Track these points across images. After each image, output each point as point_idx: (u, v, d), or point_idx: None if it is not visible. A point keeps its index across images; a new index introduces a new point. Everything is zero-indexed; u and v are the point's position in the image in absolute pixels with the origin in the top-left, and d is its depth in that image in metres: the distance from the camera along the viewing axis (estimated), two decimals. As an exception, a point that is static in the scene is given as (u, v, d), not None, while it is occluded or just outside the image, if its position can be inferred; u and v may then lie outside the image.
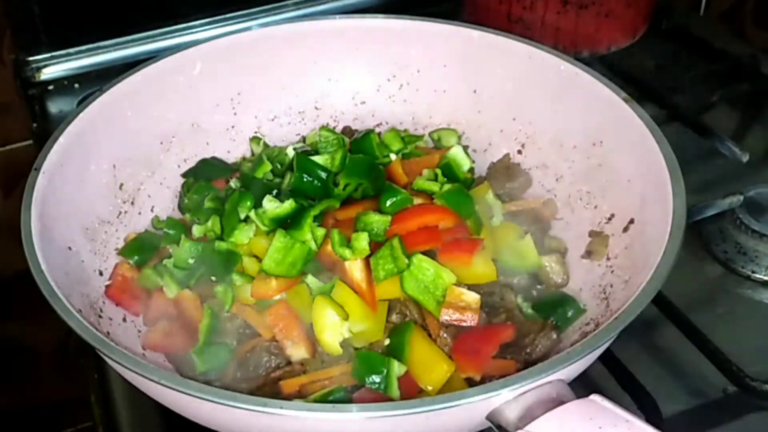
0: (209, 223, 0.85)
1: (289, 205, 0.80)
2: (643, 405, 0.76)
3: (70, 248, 0.78)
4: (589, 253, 0.85)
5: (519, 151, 0.97)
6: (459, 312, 0.75)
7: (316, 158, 0.86)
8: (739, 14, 1.79)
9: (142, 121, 0.92)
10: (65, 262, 0.76)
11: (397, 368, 0.71)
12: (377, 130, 1.03)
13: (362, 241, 0.77)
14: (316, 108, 1.04)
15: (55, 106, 1.19)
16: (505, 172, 0.95)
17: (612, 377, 0.80)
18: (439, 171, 0.89)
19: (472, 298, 0.75)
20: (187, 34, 1.25)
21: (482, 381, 0.72)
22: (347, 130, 1.03)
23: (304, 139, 1.02)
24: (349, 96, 1.04)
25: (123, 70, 0.92)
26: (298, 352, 0.75)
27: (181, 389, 0.59)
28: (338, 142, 0.93)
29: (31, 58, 1.21)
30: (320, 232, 0.78)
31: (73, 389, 1.59)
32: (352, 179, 0.85)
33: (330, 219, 0.83)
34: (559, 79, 0.91)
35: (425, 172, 0.90)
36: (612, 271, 0.80)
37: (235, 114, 1.00)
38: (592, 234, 0.86)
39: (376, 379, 0.70)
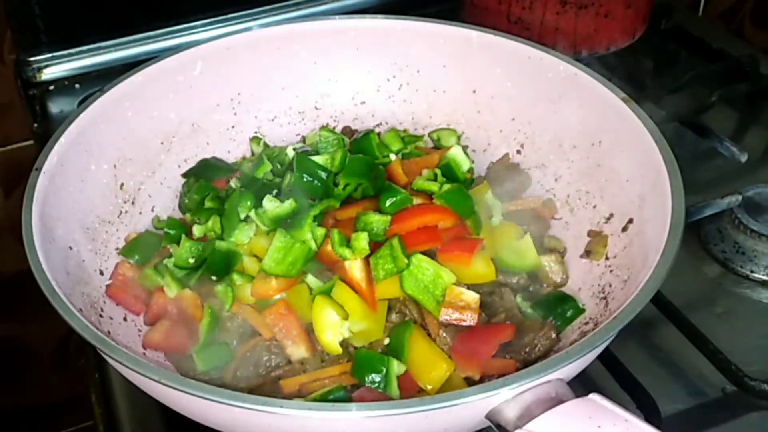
0: (209, 223, 0.85)
1: (289, 205, 0.81)
2: (642, 404, 0.76)
3: (70, 248, 0.78)
4: (588, 253, 0.85)
5: (518, 151, 0.97)
6: (458, 311, 0.75)
7: (316, 158, 0.86)
8: (738, 14, 1.79)
9: (142, 121, 0.92)
10: (66, 261, 0.76)
11: (397, 367, 0.71)
12: (377, 130, 1.03)
13: (362, 240, 0.77)
14: (316, 108, 1.04)
15: (55, 107, 1.19)
16: (504, 172, 0.95)
17: (611, 376, 0.80)
18: (438, 171, 0.89)
19: (472, 297, 0.76)
20: (187, 34, 1.25)
21: (481, 380, 0.72)
22: (347, 130, 1.03)
23: (304, 139, 1.02)
24: (349, 96, 1.04)
25: (123, 70, 0.92)
26: (297, 351, 0.75)
27: (182, 388, 0.59)
28: (338, 142, 0.93)
29: (31, 59, 1.21)
30: (320, 231, 0.79)
31: (73, 389, 1.60)
32: (352, 179, 0.85)
33: (330, 219, 0.83)
34: (558, 80, 0.91)
35: (425, 172, 0.90)
36: (611, 271, 0.81)
37: (235, 114, 1.01)
38: (591, 234, 0.86)
39: (376, 378, 0.70)
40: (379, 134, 0.97)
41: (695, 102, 1.17)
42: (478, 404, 0.59)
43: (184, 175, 0.96)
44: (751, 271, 0.94)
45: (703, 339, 0.82)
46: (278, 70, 1.01)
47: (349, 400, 0.71)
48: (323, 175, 0.85)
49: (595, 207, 0.88)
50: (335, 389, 0.72)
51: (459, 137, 1.00)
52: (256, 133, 1.02)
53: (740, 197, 0.97)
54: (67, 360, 1.63)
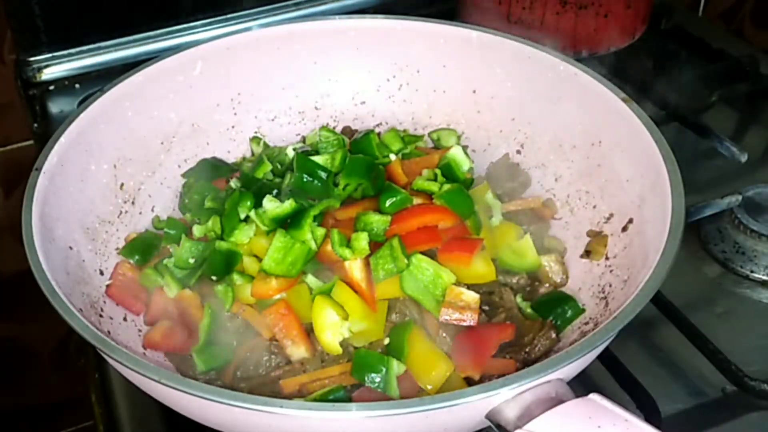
0: (209, 223, 0.85)
1: (289, 205, 0.81)
2: (642, 404, 0.76)
3: (70, 248, 0.78)
4: (588, 253, 0.85)
5: (518, 151, 0.97)
6: (458, 311, 0.75)
7: (316, 158, 0.86)
8: (738, 14, 1.79)
9: (142, 121, 0.92)
10: (66, 261, 0.76)
11: (397, 367, 0.71)
12: (377, 130, 1.03)
13: (362, 241, 0.77)
14: (316, 108, 1.04)
15: (55, 107, 1.19)
16: (504, 172, 0.95)
17: (611, 376, 0.80)
18: (438, 171, 0.89)
19: (472, 297, 0.76)
20: (187, 34, 1.25)
21: (481, 380, 0.72)
22: (347, 130, 1.03)
23: (304, 139, 1.02)
24: (349, 96, 1.04)
25: (123, 70, 0.92)
26: (297, 351, 0.75)
27: (182, 388, 0.59)
28: (338, 142, 0.93)
29: (31, 59, 1.21)
30: (320, 232, 0.79)
31: (73, 389, 1.60)
32: (352, 179, 0.85)
33: (330, 219, 0.83)
34: (558, 80, 0.91)
35: (425, 172, 0.90)
36: (611, 271, 0.81)
37: (235, 114, 1.01)
38: (591, 234, 0.86)
39: (376, 378, 0.70)
40: (379, 134, 0.97)
41: (695, 102, 1.17)
42: (478, 404, 0.59)
43: (184, 175, 0.96)
44: (751, 271, 0.94)
45: (703, 339, 0.82)
46: (278, 70, 1.01)
47: (349, 400, 0.71)
48: (323, 175, 0.85)
49: (595, 207, 0.88)
50: (335, 389, 0.72)
51: (459, 137, 1.00)
52: (256, 133, 1.02)
53: (740, 197, 0.97)
54: (67, 360, 1.63)
